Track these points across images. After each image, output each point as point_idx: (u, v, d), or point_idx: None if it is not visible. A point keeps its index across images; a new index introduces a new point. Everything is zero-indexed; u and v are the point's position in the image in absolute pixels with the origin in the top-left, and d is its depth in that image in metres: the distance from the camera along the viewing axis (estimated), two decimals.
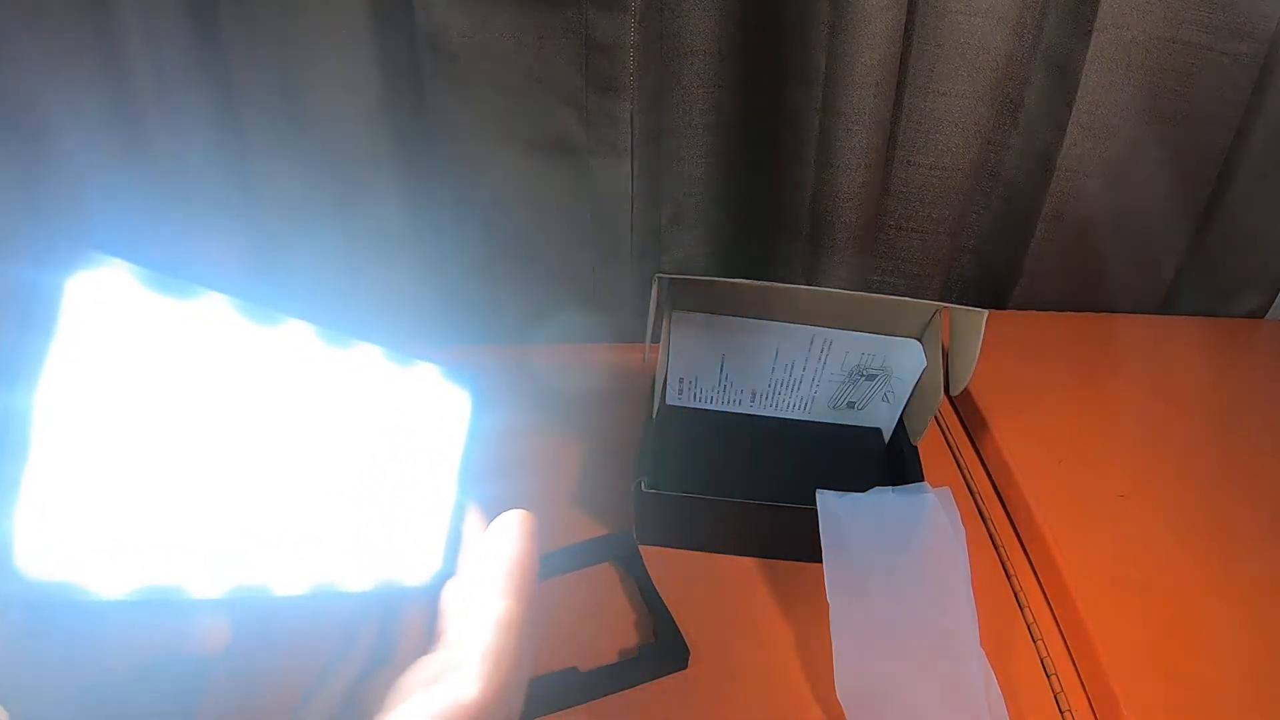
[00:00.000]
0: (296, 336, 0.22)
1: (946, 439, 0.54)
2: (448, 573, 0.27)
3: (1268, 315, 0.73)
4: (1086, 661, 0.40)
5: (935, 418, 0.56)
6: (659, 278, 0.41)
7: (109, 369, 0.18)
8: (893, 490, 0.41)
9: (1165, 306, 0.71)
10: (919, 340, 0.47)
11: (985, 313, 0.41)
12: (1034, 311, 0.67)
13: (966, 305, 0.42)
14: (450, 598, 0.26)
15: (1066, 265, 0.66)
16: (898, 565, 0.38)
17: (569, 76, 0.51)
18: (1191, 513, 0.47)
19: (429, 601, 0.26)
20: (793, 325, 0.46)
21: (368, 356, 0.24)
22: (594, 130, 0.52)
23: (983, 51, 0.58)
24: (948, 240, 0.64)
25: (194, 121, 0.49)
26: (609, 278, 0.58)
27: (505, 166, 0.53)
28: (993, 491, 0.50)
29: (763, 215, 0.61)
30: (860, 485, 0.41)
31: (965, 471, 0.51)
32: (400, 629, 0.27)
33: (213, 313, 0.20)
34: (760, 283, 0.41)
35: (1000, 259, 0.67)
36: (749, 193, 0.61)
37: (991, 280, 0.69)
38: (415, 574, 0.27)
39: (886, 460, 0.50)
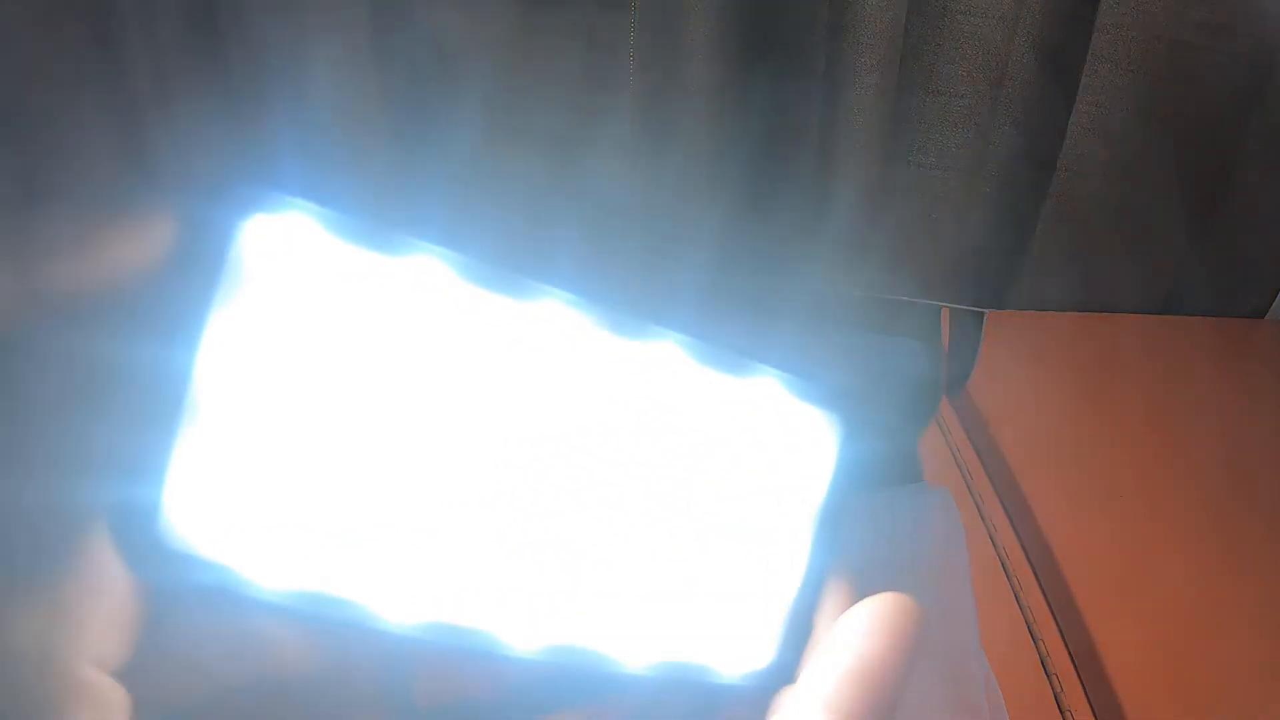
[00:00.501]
0: (561, 317, 0.17)
1: (946, 439, 0.54)
2: (782, 672, 0.19)
3: (1267, 315, 0.73)
4: (1086, 661, 0.40)
5: (935, 418, 0.56)
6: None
7: (298, 330, 0.15)
8: (893, 490, 0.41)
9: (1165, 307, 0.71)
10: (919, 340, 0.47)
11: (985, 313, 0.41)
12: (1034, 312, 0.67)
13: (966, 305, 0.42)
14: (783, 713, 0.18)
15: (1067, 265, 0.66)
16: (897, 566, 0.38)
17: (569, 76, 0.51)
18: (1192, 513, 0.47)
19: (756, 710, 0.18)
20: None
21: (672, 355, 0.18)
22: (594, 130, 0.52)
23: (983, 52, 0.58)
24: (948, 240, 0.64)
25: (192, 118, 0.49)
26: (609, 277, 0.58)
27: (505, 165, 0.53)
28: (992, 491, 0.50)
29: (764, 215, 0.61)
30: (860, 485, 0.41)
31: (965, 471, 0.51)
32: None
33: (439, 276, 0.16)
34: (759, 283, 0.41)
35: (1000, 259, 0.67)
36: (750, 193, 0.61)
37: (991, 280, 0.69)
38: (731, 664, 0.19)
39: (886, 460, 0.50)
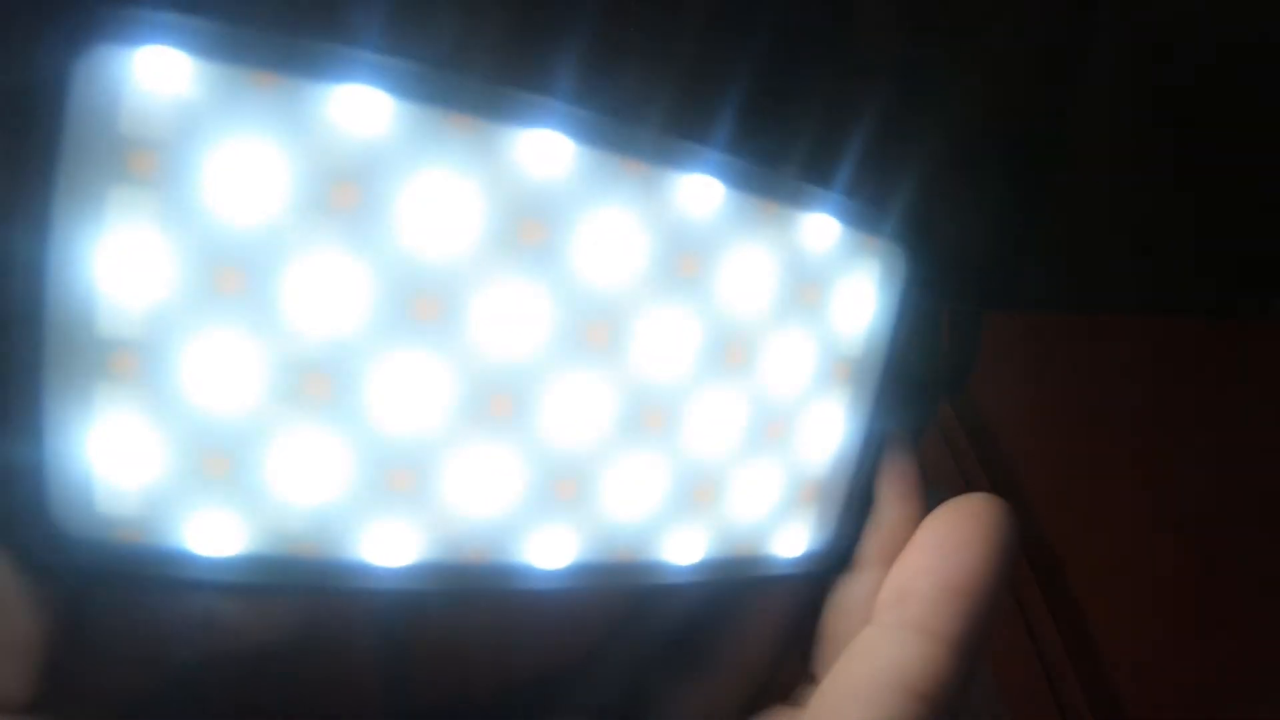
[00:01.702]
0: (560, 146, 0.13)
1: (946, 439, 0.54)
2: (838, 553, 0.16)
3: (1267, 315, 0.73)
4: (1086, 660, 0.40)
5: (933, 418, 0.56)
6: None
7: (187, 209, 0.11)
8: None
9: (1165, 307, 0.71)
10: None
11: (985, 313, 0.41)
12: (1033, 313, 0.67)
13: (966, 306, 0.42)
14: (843, 609, 0.15)
15: (1067, 266, 0.66)
16: None
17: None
18: (1191, 512, 0.47)
19: (792, 600, 0.16)
20: None
21: (707, 185, 0.14)
22: None
23: (982, 51, 0.58)
24: (947, 240, 0.64)
25: None
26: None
27: None
28: (992, 492, 0.50)
29: None
30: None
31: (965, 473, 0.51)
32: (737, 636, 0.16)
33: (383, 103, 0.11)
34: None
35: (1000, 259, 0.67)
36: None
37: (991, 280, 0.69)
38: (782, 546, 0.16)
39: None
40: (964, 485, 0.50)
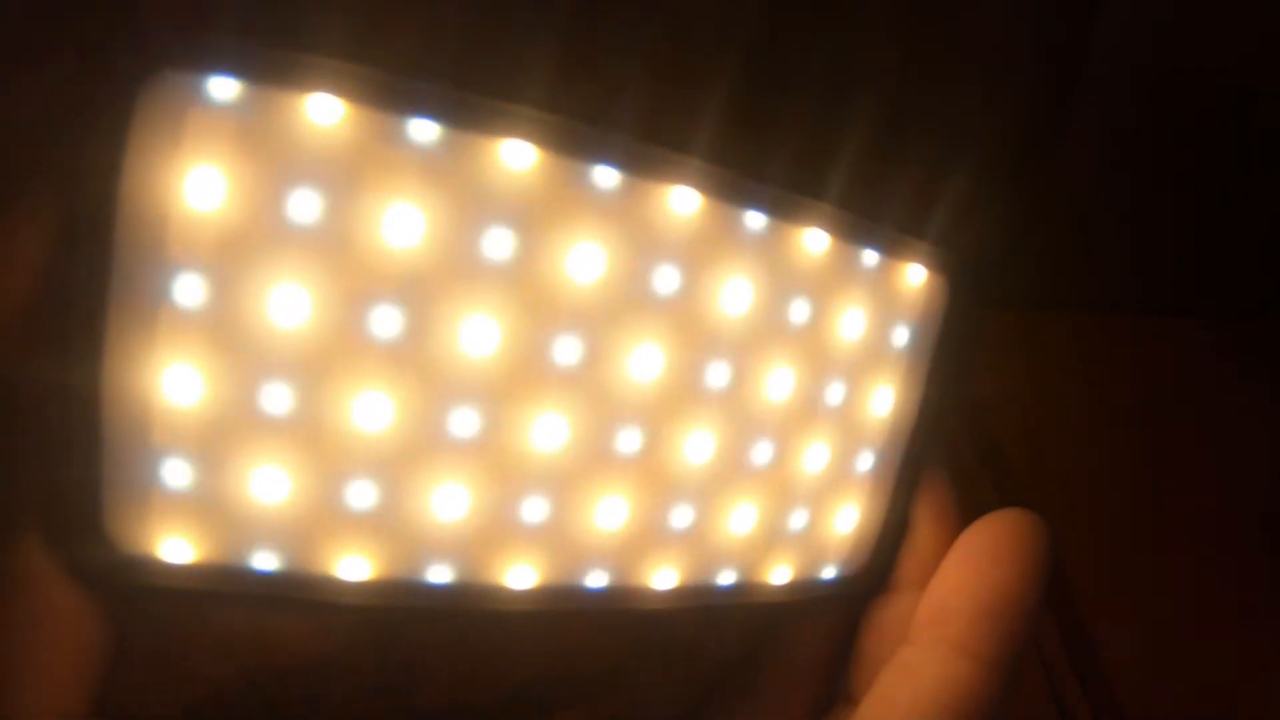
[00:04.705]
0: (608, 178, 0.13)
1: (945, 439, 0.54)
2: (875, 579, 0.16)
3: (1267, 315, 0.73)
4: (1086, 661, 0.40)
5: None
6: None
7: (245, 238, 0.11)
8: None
9: (1165, 307, 0.71)
10: None
11: (984, 312, 0.41)
12: (1033, 311, 0.67)
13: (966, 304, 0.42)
14: (881, 630, 0.16)
15: (1063, 264, 0.66)
16: None
17: None
18: (1191, 512, 0.47)
19: (831, 624, 0.16)
20: None
21: (743, 223, 0.14)
22: None
23: (981, 50, 0.58)
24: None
25: None
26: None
27: None
28: (992, 491, 0.50)
29: None
30: None
31: (965, 471, 0.51)
32: (779, 660, 0.16)
33: (437, 140, 0.12)
34: None
35: (1000, 258, 0.67)
36: None
37: (990, 279, 0.68)
38: (817, 569, 0.16)
39: None
40: (963, 484, 0.50)
